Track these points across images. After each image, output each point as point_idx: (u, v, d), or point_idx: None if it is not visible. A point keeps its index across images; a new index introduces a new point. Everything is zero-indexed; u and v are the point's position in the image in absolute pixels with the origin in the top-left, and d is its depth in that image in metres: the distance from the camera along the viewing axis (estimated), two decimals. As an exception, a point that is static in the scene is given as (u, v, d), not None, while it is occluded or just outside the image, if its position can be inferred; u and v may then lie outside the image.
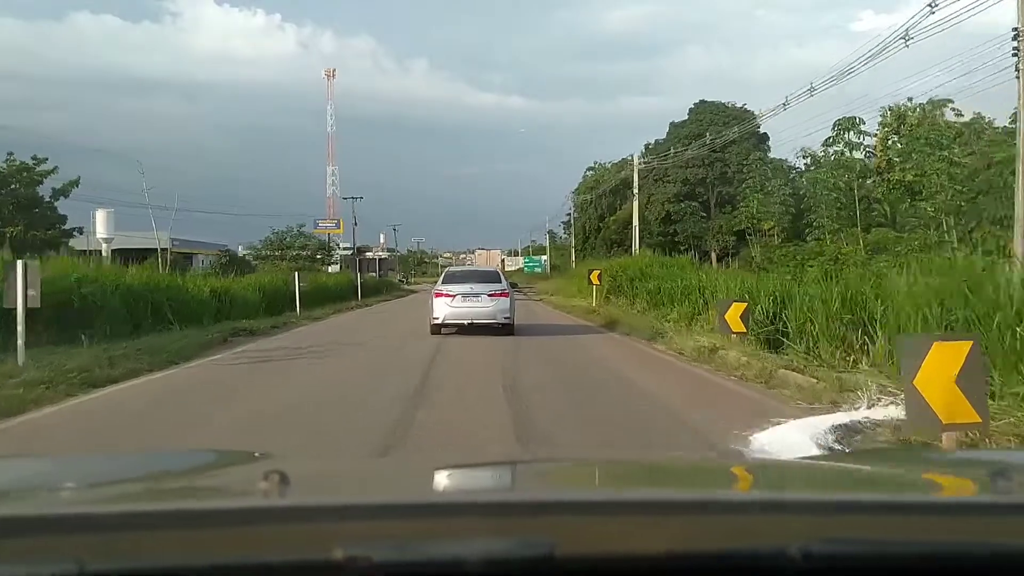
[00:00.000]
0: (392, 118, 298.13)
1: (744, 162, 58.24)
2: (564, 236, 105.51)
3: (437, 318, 17.12)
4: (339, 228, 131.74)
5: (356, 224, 64.48)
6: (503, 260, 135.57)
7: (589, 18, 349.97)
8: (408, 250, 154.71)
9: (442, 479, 1.82)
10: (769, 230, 47.16)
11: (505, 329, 17.11)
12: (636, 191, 44.97)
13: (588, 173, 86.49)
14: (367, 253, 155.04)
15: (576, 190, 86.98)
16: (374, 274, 51.01)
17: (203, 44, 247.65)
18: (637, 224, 44.93)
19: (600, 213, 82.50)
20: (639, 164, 45.51)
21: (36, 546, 1.04)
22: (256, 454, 2.36)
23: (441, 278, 18.85)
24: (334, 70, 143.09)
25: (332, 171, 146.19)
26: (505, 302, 17.27)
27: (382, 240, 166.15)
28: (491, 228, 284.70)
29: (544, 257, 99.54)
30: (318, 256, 62.15)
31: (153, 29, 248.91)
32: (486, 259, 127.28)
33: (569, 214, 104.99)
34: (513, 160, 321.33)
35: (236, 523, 1.12)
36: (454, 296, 17.13)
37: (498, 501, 1.37)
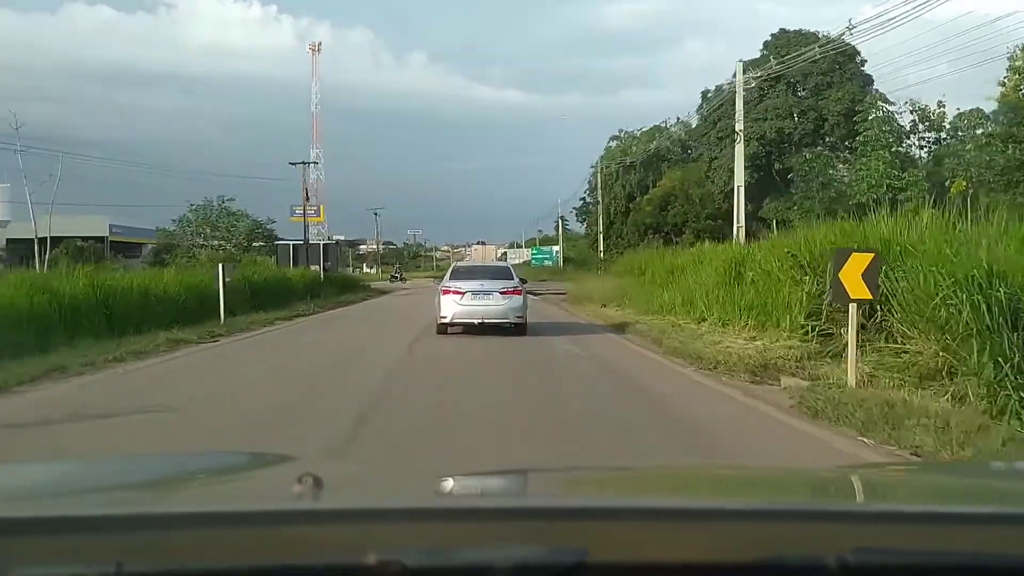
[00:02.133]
0: (389, 112, 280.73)
1: (858, 108, 38.58)
2: (578, 225, 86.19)
3: (445, 317, 14.99)
4: (320, 216, 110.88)
5: (308, 199, 44.81)
6: (504, 253, 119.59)
7: (590, 12, 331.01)
8: (404, 243, 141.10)
9: (474, 485, 1.74)
10: (962, 190, 27.37)
11: (517, 329, 15.06)
12: (741, 126, 25.25)
13: (611, 144, 66.96)
14: (360, 247, 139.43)
15: (597, 163, 67.46)
16: (317, 267, 30.70)
17: (199, 36, 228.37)
18: (742, 183, 25.30)
19: (628, 192, 63.15)
20: (745, 83, 25.75)
21: (75, 546, 1.02)
22: (286, 456, 2.26)
23: (448, 273, 16.60)
24: (319, 44, 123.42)
25: (316, 154, 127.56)
26: (518, 300, 15.20)
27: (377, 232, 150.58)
28: (490, 222, 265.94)
29: (556, 248, 79.85)
30: (253, 244, 42.42)
31: (148, 20, 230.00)
32: (483, 254, 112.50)
33: (583, 199, 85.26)
34: (512, 154, 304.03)
35: (271, 525, 1.08)
36: (463, 293, 14.98)
37: (531, 507, 1.30)
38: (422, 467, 3.38)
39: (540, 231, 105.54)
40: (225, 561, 1.00)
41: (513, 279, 16.00)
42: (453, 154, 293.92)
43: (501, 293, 15.20)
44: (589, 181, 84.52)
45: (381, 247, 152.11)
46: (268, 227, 42.93)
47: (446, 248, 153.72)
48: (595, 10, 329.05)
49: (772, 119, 42.08)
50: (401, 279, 61.38)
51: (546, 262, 78.42)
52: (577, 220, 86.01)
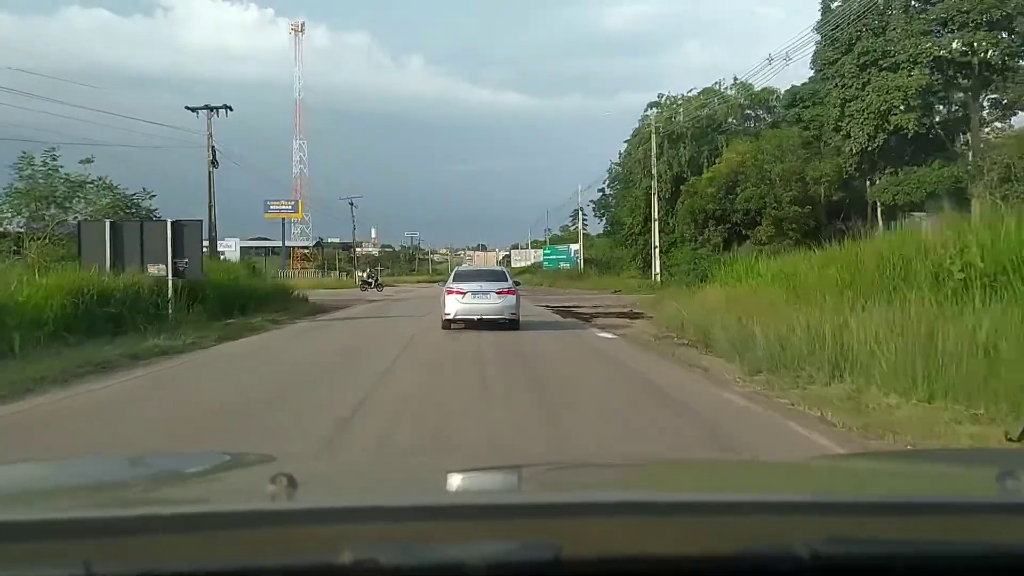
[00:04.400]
0: (389, 114, 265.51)
1: None
2: (595, 221, 68.92)
3: (449, 314, 15.72)
4: (297, 212, 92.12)
5: (215, 164, 27.71)
6: (506, 257, 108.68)
7: (589, 15, 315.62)
8: (402, 245, 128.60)
9: (448, 482, 1.66)
10: None
11: (511, 325, 15.55)
12: None
13: (649, 112, 49.62)
14: (356, 249, 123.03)
15: (632, 139, 50.18)
16: (158, 269, 12.54)
17: (196, 39, 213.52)
18: None
19: (676, 172, 46.11)
20: None
21: (44, 550, 0.98)
22: (263, 456, 2.21)
23: (451, 277, 17.52)
24: (302, 24, 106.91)
25: (300, 145, 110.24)
26: (511, 299, 16.04)
27: (374, 235, 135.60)
28: (490, 225, 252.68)
29: (574, 247, 62.08)
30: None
31: (145, 23, 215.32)
32: (484, 260, 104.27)
33: (602, 190, 67.93)
34: (512, 157, 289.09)
35: (243, 526, 1.03)
36: (464, 294, 15.84)
37: (504, 504, 1.27)
38: (398, 465, 2.69)
39: (548, 229, 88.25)
40: (196, 563, 0.95)
41: (507, 281, 16.73)
42: (452, 156, 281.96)
43: (497, 293, 15.91)
44: (610, 169, 67.14)
45: (378, 250, 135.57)
46: (141, 203, 25.16)
47: (444, 251, 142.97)
48: (595, 13, 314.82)
49: (955, 30, 24.68)
50: (376, 286, 43.80)
51: (562, 264, 61.01)
52: (595, 215, 68.70)
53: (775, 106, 49.45)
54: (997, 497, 1.30)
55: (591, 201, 65.42)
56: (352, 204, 63.89)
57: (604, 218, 70.42)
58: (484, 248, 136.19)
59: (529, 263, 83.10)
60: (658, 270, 34.94)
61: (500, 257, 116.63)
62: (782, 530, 1.03)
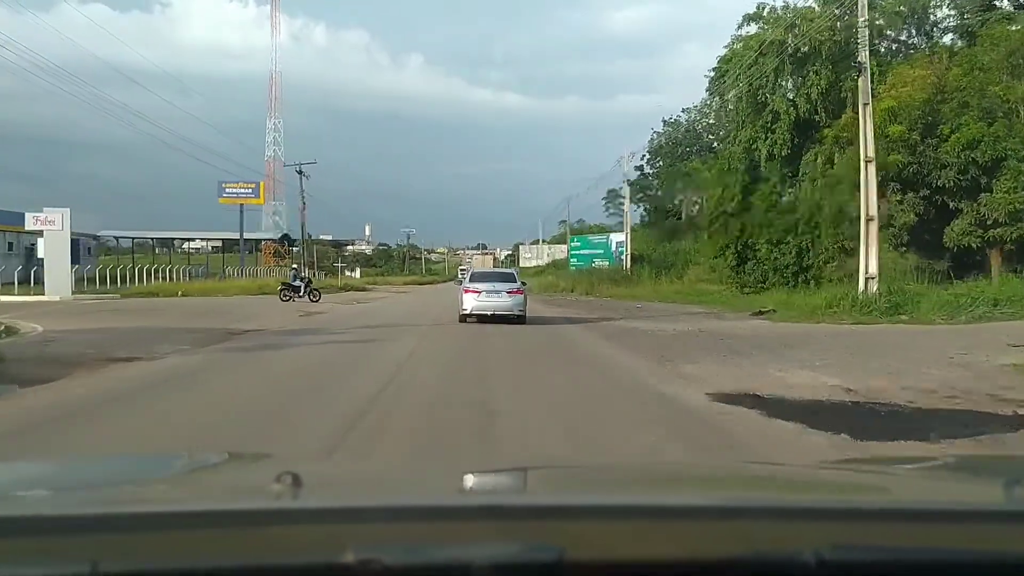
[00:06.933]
0: (385, 114, 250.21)
1: None
2: (633, 208, 50.18)
3: (466, 309, 17.19)
4: (259, 197, 72.48)
5: None
6: (510, 255, 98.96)
7: (589, 17, 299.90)
8: (397, 243, 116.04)
9: (453, 483, 1.61)
10: None
11: (519, 320, 16.97)
12: None
13: (747, 29, 30.92)
14: (347, 248, 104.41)
15: (727, 63, 31.51)
16: None
17: (193, 35, 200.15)
18: None
19: (804, 112, 27.69)
20: None
21: (50, 546, 0.95)
22: (267, 455, 2.09)
23: (468, 278, 19.34)
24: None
25: (274, 124, 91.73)
26: (520, 298, 17.47)
27: (368, 232, 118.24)
28: (489, 225, 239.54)
29: (617, 237, 42.76)
30: None
31: (143, 19, 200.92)
32: (482, 262, 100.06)
33: (640, 168, 49.31)
34: (511, 158, 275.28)
35: (248, 525, 1.02)
36: (480, 292, 17.34)
37: (508, 505, 1.23)
38: (402, 466, 2.79)
39: (563, 221, 69.51)
40: (202, 561, 0.92)
41: (516, 282, 17.99)
42: (452, 156, 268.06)
43: (508, 293, 17.16)
44: (652, 139, 48.39)
45: (372, 248, 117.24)
46: None
47: (441, 251, 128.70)
48: (594, 15, 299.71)
49: None
50: (307, 292, 24.83)
51: (597, 261, 42.09)
52: (632, 201, 49.81)
53: (944, 17, 30.68)
54: (1005, 504, 1.26)
55: (626, 180, 46.71)
56: (301, 173, 45.01)
57: (642, 204, 51.79)
58: (484, 248, 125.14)
59: (543, 262, 64.43)
60: (874, 269, 16.00)
61: (502, 257, 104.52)
62: (788, 536, 0.99)
